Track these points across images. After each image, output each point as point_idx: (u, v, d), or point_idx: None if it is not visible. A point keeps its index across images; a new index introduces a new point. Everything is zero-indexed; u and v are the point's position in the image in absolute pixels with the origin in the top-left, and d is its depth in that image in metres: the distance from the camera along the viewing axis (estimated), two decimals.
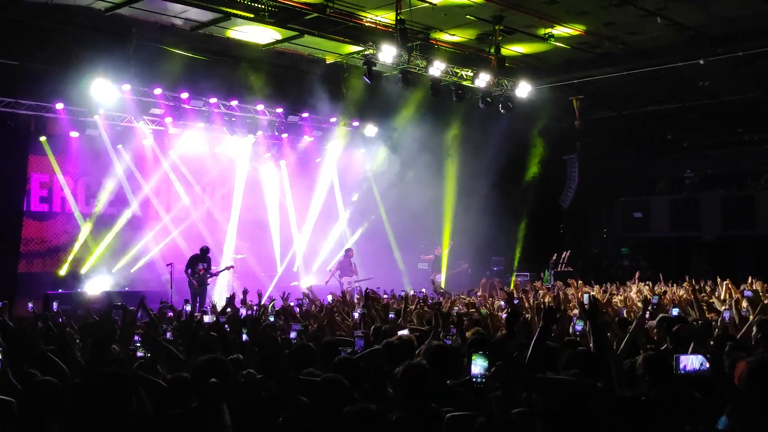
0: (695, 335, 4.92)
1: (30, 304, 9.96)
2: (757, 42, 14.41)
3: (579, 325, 6.57)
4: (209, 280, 14.78)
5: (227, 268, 15.61)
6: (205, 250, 14.90)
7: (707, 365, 3.97)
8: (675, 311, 8.06)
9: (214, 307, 9.61)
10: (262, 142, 17.96)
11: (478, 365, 4.12)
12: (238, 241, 17.61)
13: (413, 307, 8.59)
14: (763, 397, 3.32)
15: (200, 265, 14.51)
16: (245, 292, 9.90)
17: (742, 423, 3.32)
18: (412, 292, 11.73)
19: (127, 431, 3.57)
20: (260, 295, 9.44)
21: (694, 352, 4.43)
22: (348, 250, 17.70)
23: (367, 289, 9.86)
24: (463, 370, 4.72)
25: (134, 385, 3.71)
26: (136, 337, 5.93)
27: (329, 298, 10.83)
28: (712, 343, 5.24)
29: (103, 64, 13.90)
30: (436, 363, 4.54)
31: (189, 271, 14.41)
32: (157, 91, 15.11)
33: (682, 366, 4.08)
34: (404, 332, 5.96)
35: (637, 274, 15.06)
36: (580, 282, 13.03)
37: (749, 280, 11.08)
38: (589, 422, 2.80)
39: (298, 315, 9.40)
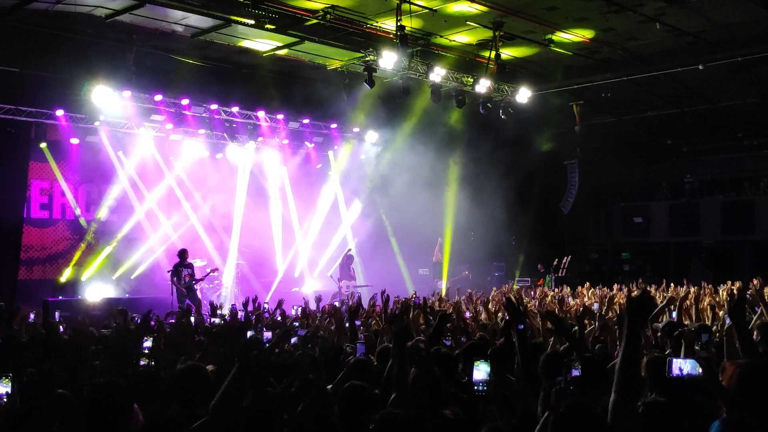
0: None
1: (32, 315, 9.90)
2: (756, 47, 14.45)
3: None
4: (196, 285, 14.67)
5: (212, 271, 15.42)
6: (184, 255, 14.60)
7: (700, 370, 3.98)
8: (673, 314, 8.03)
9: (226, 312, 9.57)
10: (263, 149, 17.98)
11: (481, 371, 4.12)
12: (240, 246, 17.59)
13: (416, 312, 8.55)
14: (754, 402, 3.34)
15: (184, 271, 14.41)
16: (255, 300, 9.86)
17: (734, 428, 3.32)
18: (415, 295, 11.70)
19: None
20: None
21: (686, 356, 4.43)
22: (349, 256, 17.65)
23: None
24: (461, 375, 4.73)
25: (132, 396, 3.61)
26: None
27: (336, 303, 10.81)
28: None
29: (104, 71, 13.92)
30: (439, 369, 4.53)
31: (175, 279, 14.31)
32: (158, 97, 15.09)
33: (675, 369, 4.07)
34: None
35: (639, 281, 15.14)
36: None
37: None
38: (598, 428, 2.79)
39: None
